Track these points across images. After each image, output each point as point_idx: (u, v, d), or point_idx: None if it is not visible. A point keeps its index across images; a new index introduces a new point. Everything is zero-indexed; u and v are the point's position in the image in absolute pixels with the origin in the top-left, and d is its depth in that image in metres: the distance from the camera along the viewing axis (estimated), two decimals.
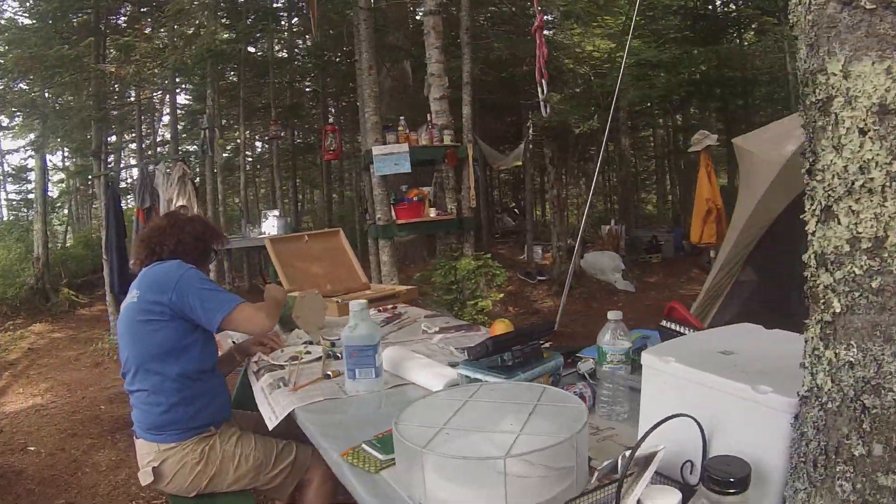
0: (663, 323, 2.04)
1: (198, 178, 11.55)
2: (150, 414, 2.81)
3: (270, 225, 11.61)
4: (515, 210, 21.71)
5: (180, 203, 8.08)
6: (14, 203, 23.58)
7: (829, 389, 1.07)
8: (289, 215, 15.43)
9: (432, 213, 7.24)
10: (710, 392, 1.34)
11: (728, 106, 18.33)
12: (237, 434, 2.91)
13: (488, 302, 7.09)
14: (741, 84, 16.44)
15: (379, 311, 3.96)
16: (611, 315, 1.98)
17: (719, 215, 7.67)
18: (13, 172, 23.79)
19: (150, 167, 8.76)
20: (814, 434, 1.10)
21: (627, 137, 16.01)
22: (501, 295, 8.14)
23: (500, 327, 2.89)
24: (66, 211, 24.05)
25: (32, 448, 5.58)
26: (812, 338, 1.12)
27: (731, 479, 1.14)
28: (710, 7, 15.43)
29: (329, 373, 2.61)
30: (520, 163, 13.12)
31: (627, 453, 1.23)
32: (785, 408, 1.20)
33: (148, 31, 10.69)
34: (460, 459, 1.37)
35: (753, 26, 14.94)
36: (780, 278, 5.80)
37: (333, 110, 18.91)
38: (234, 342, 3.47)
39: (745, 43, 15.49)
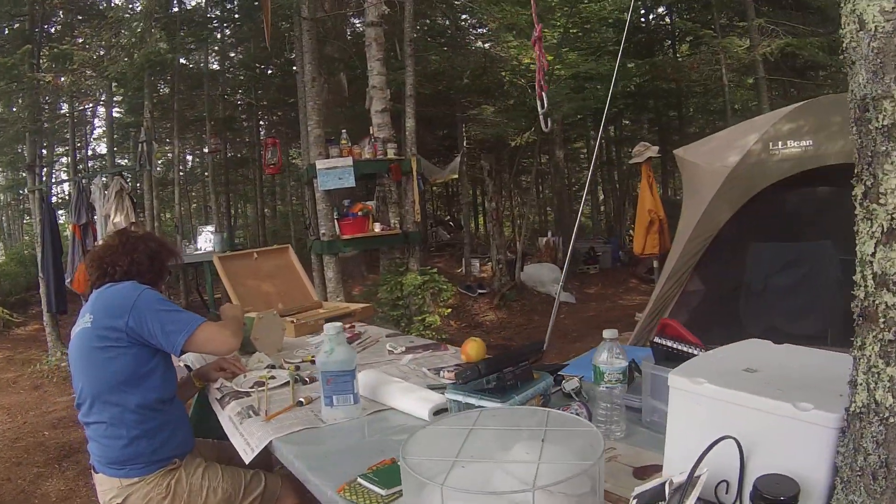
0: (656, 340, 1.99)
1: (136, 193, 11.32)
2: (111, 448, 2.66)
3: (206, 240, 11.45)
4: (450, 223, 21.71)
5: (118, 219, 7.83)
6: None
7: (891, 405, 1.08)
8: (224, 230, 15.20)
9: (377, 227, 7.16)
10: (746, 411, 1.31)
11: (661, 117, 18.57)
12: (203, 465, 2.78)
13: (435, 317, 7.03)
14: (675, 95, 16.64)
15: None
16: (607, 334, 1.93)
17: (661, 226, 7.74)
18: None
19: (86, 182, 8.48)
20: (873, 448, 1.11)
21: (561, 150, 16.10)
22: (449, 310, 8.09)
23: (473, 346, 2.82)
24: None
25: None
26: (869, 355, 1.12)
27: (783, 498, 1.14)
28: (643, 21, 15.60)
29: (301, 399, 2.50)
30: (456, 175, 13.10)
31: (674, 480, 1.19)
32: (828, 423, 1.20)
33: (81, 40, 10.39)
34: (486, 495, 1.30)
35: (689, 38, 15.14)
36: (727, 286, 5.89)
37: (266, 123, 18.68)
38: (187, 366, 3.34)
39: (679, 56, 15.69)
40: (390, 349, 3.25)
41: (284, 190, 20.87)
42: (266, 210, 21.81)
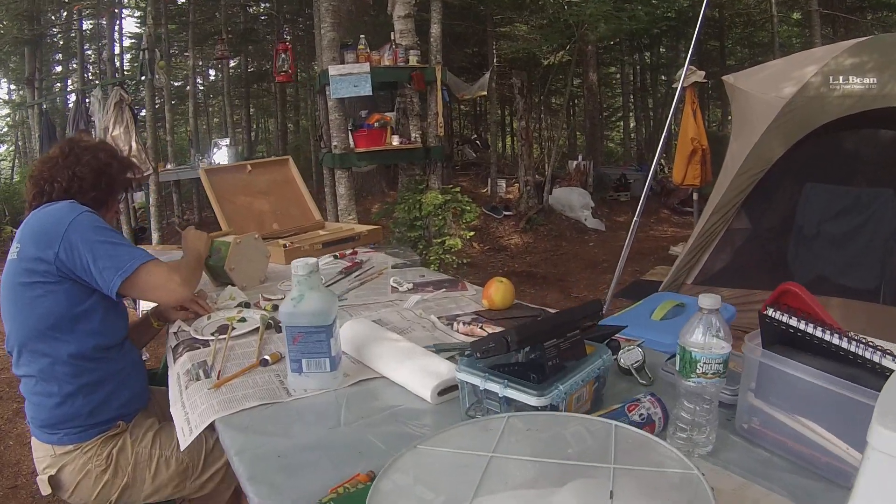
0: (770, 313, 1.33)
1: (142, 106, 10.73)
2: (42, 408, 2.14)
3: (221, 155, 10.96)
4: (477, 142, 20.98)
5: (116, 132, 7.27)
6: None
7: None
8: (241, 144, 14.67)
9: (395, 141, 6.50)
10: None
11: (702, 46, 17.66)
12: (154, 428, 2.23)
13: (457, 241, 6.40)
14: (717, 25, 15.96)
15: (336, 257, 3.23)
16: (704, 301, 1.26)
17: (704, 156, 7.17)
18: None
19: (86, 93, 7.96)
20: None
21: (595, 72, 15.26)
22: (472, 233, 7.43)
23: (498, 290, 2.21)
24: (4, 147, 22.94)
25: None
26: None
27: None
28: None
29: (267, 357, 1.87)
30: (484, 93, 12.37)
31: None
32: None
33: None
34: None
35: None
36: (776, 227, 5.49)
37: (289, 37, 17.95)
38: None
39: None
40: (394, 285, 2.60)
41: (307, 104, 20.14)
42: (289, 125, 21.15)
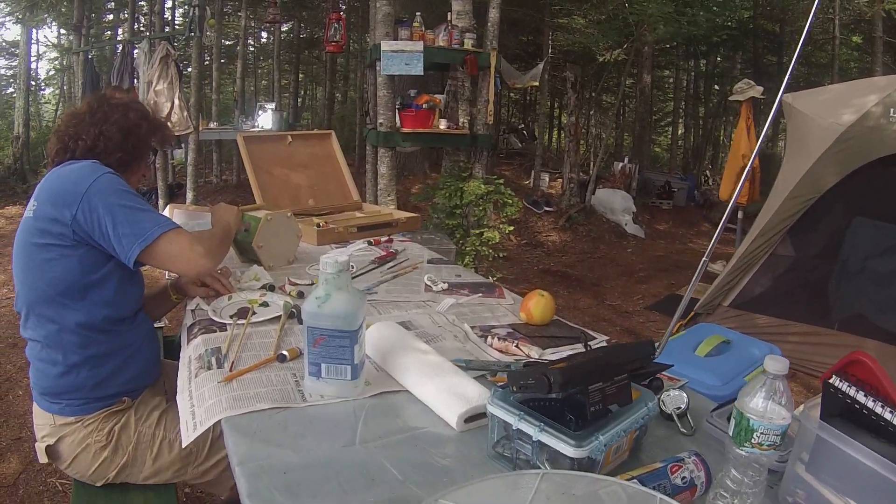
0: (833, 382, 1.17)
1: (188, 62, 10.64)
2: (45, 375, 2.04)
3: (266, 118, 10.88)
4: (524, 132, 20.76)
5: (160, 86, 7.17)
6: (4, 79, 22.34)
7: None
8: (287, 110, 14.58)
9: (442, 124, 6.31)
10: None
11: (759, 60, 17.29)
12: (161, 409, 2.12)
13: (495, 233, 6.22)
14: (776, 39, 15.68)
15: (370, 243, 3.09)
16: (770, 365, 1.11)
17: (753, 174, 6.91)
18: (5, 46, 22.48)
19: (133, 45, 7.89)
20: None
21: (649, 74, 14.98)
22: (511, 228, 7.25)
23: (538, 305, 2.06)
24: (50, 90, 22.95)
25: None
26: None
27: None
28: None
29: (285, 352, 1.73)
30: (536, 83, 12.14)
31: None
32: None
33: None
34: None
35: None
36: (820, 259, 5.26)
37: (344, 7, 17.79)
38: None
39: None
40: (429, 283, 2.46)
41: (356, 76, 19.99)
42: (337, 94, 21.02)
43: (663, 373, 1.65)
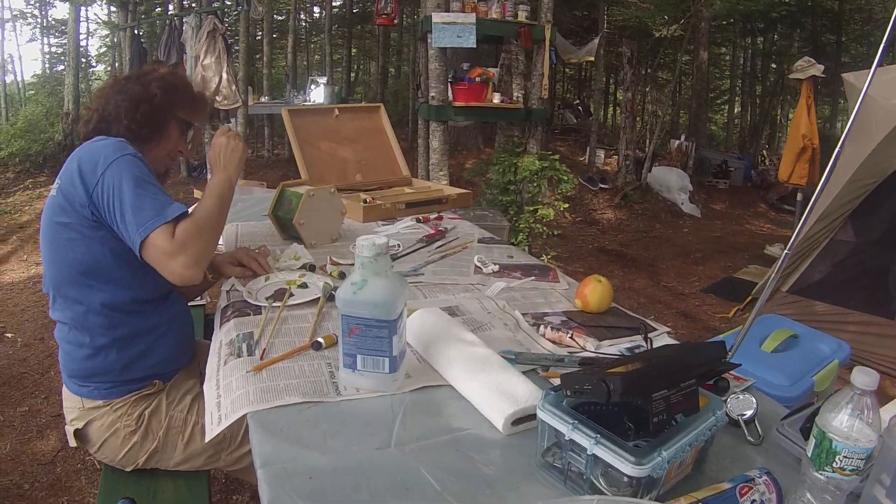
0: None
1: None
2: (73, 357, 1.94)
3: (318, 93, 10.80)
4: (579, 107, 20.45)
5: (207, 61, 7.11)
6: (55, 56, 22.57)
7: None
8: (339, 85, 14.49)
9: (496, 98, 6.14)
10: None
11: (818, 39, 16.76)
12: (195, 392, 2.00)
13: (550, 211, 6.04)
14: (834, 17, 15.33)
15: (419, 220, 2.95)
16: (859, 379, 0.95)
17: (813, 155, 6.64)
18: (55, 24, 22.68)
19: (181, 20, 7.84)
20: None
21: (706, 51, 14.59)
22: (567, 205, 7.06)
23: (595, 291, 1.90)
24: (102, 67, 23.16)
25: (10, 335, 4.78)
26: None
27: None
28: None
29: (321, 339, 1.60)
30: (591, 58, 11.91)
31: None
32: None
33: None
34: None
35: None
36: (882, 246, 5.03)
37: None
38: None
39: None
40: (479, 265, 2.30)
41: (409, 51, 19.88)
42: (390, 69, 20.92)
43: (738, 375, 1.50)
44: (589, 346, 1.67)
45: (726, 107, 22.79)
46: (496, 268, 2.26)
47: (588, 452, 1.03)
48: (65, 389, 1.99)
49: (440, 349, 1.50)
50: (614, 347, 1.69)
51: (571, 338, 1.70)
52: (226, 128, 2.28)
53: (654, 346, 1.69)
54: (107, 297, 1.84)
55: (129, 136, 1.92)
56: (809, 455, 1.01)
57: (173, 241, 1.71)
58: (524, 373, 1.45)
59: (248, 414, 1.33)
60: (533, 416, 1.22)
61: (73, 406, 1.96)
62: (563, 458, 1.11)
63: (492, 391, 1.34)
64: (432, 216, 3.02)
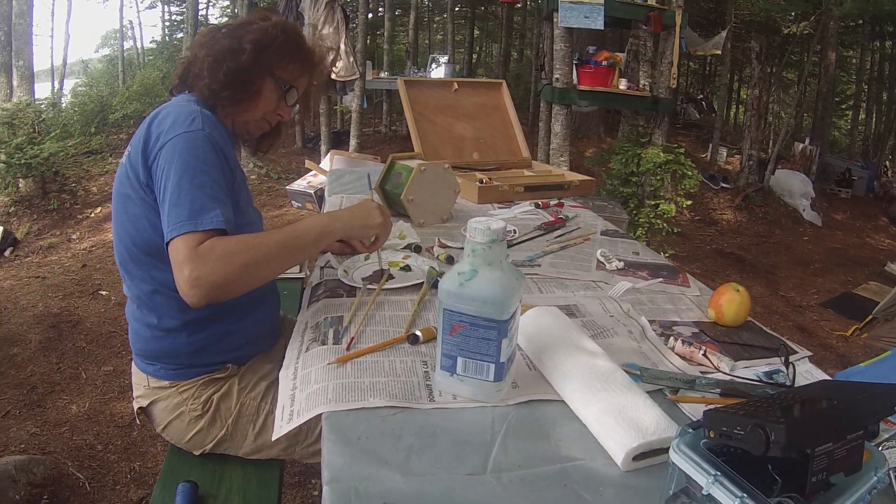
0: None
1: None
2: (141, 336, 1.75)
3: (439, 71, 10.71)
4: (702, 102, 19.84)
5: (326, 31, 7.01)
6: (175, 23, 23.02)
7: None
8: (461, 65, 14.34)
9: (622, 84, 5.86)
10: None
11: None
12: (271, 378, 1.78)
13: (671, 207, 5.73)
14: None
15: (538, 206, 2.71)
16: None
17: None
18: None
19: None
20: None
21: (834, 51, 13.86)
22: (689, 203, 6.70)
23: (731, 303, 1.63)
24: None
25: (104, 293, 4.75)
26: None
27: None
28: None
29: (418, 332, 1.39)
30: (718, 51, 11.40)
31: None
32: None
33: None
34: None
35: None
36: None
37: None
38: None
39: None
40: (601, 259, 2.06)
41: (533, 34, 19.59)
42: (512, 52, 20.64)
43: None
44: (723, 367, 1.41)
45: (850, 112, 21.72)
46: (621, 265, 2.01)
47: None
48: (133, 364, 1.83)
49: (556, 358, 1.27)
50: (750, 370, 1.43)
51: (704, 355, 1.45)
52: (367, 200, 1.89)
53: (796, 370, 1.42)
54: (173, 277, 1.52)
55: (210, 97, 1.70)
56: None
57: (194, 250, 1.42)
58: (649, 392, 1.22)
59: (324, 414, 1.14)
60: (658, 451, 0.99)
61: (139, 383, 1.80)
62: None
63: (613, 416, 1.10)
64: (552, 202, 2.77)
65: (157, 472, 2.92)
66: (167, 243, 1.43)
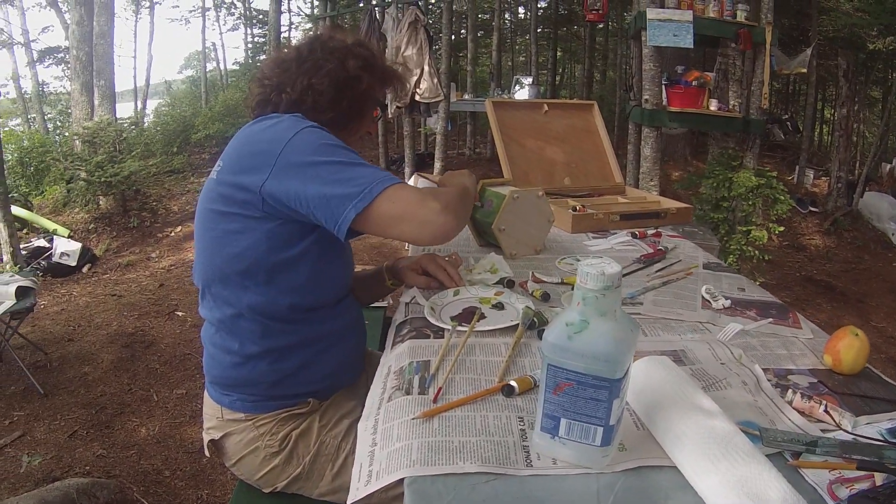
0: None
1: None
2: (217, 363, 1.70)
3: (523, 93, 10.59)
4: (787, 123, 19.34)
5: (408, 52, 6.98)
6: (257, 45, 23.42)
7: None
8: (545, 86, 14.23)
9: (713, 105, 5.66)
10: None
11: None
12: (355, 415, 1.69)
13: (763, 233, 5.50)
14: None
15: (635, 236, 2.56)
16: None
17: None
18: (257, 15, 23.53)
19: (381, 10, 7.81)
20: None
21: None
22: (782, 228, 6.43)
23: (850, 348, 1.46)
24: None
25: (180, 313, 4.75)
26: None
27: None
28: None
29: (513, 383, 1.26)
30: (804, 70, 11.05)
31: None
32: None
33: None
34: None
35: None
36: None
37: None
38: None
39: None
40: (706, 297, 1.89)
41: (616, 55, 19.31)
42: (595, 74, 20.42)
43: None
44: (845, 424, 1.23)
45: None
46: (727, 303, 1.84)
47: None
48: (206, 394, 1.76)
49: (669, 417, 1.12)
50: (872, 427, 1.24)
51: (825, 410, 1.28)
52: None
53: None
54: (262, 301, 1.57)
55: (330, 125, 1.64)
56: None
57: (418, 194, 1.47)
58: (768, 456, 1.06)
59: (406, 479, 1.03)
60: None
61: (212, 414, 1.73)
62: None
63: (734, 490, 0.94)
64: (649, 231, 2.61)
65: (224, 502, 2.86)
66: (366, 208, 1.43)
